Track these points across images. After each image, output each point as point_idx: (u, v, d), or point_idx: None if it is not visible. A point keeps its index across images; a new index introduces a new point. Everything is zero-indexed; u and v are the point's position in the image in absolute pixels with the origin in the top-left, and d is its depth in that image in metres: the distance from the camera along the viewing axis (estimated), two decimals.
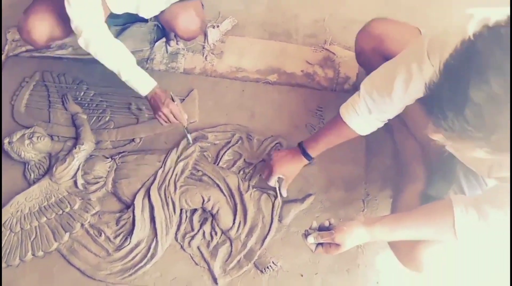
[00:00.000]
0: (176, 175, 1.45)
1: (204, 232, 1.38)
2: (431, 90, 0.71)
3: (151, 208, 1.39)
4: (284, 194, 1.35)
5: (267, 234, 1.36)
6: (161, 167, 1.45)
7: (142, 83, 1.34)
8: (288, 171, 1.30)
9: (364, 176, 1.41)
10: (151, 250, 1.36)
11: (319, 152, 1.24)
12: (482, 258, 1.10)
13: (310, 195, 1.40)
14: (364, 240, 0.98)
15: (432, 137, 0.78)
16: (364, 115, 1.10)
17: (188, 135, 1.47)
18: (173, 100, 1.33)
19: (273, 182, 1.31)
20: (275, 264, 1.33)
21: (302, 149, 1.26)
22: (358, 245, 1.26)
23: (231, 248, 1.36)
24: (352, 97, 1.13)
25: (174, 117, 1.33)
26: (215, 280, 1.33)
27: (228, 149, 1.49)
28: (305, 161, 1.28)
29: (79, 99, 1.60)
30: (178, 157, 1.49)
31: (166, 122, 1.34)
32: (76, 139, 1.51)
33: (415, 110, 1.12)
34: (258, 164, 1.48)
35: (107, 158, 1.48)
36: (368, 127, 1.15)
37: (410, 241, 1.02)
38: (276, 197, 1.36)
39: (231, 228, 1.37)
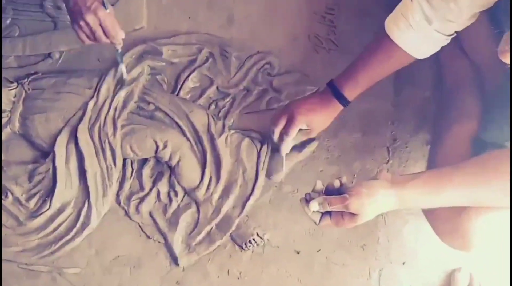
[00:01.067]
0: (115, 109, 1.26)
1: (158, 193, 1.24)
2: None
3: (80, 157, 1.23)
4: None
5: (250, 195, 1.22)
6: (92, 96, 1.27)
7: None
8: (315, 121, 1.13)
9: (391, 113, 1.28)
10: (82, 217, 1.24)
11: (359, 91, 1.10)
12: None
13: (312, 140, 1.22)
14: (390, 207, 0.87)
15: (503, 57, 0.73)
16: (421, 28, 0.99)
17: (122, 65, 1.24)
18: (105, 7, 1.11)
19: (292, 136, 1.14)
20: (261, 238, 1.22)
21: (334, 90, 1.10)
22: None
23: (198, 215, 1.22)
24: (400, 5, 1.02)
25: (104, 32, 1.13)
26: (175, 259, 1.22)
27: (192, 71, 1.30)
28: (339, 107, 1.12)
29: None
30: (119, 83, 1.28)
31: (89, 39, 1.12)
32: None
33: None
34: (237, 94, 1.30)
35: (11, 82, 1.32)
36: (429, 46, 1.04)
37: (455, 207, 0.94)
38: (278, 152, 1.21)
39: (197, 186, 1.20)
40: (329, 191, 0.92)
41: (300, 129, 1.14)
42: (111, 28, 1.11)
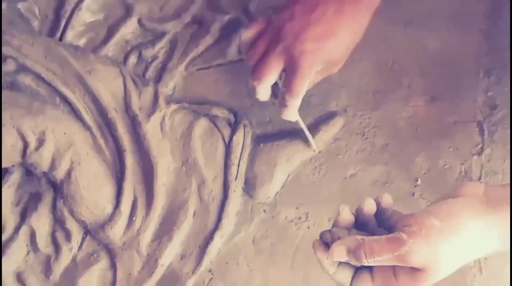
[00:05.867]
0: None
1: (33, 235, 0.77)
2: None
3: None
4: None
5: (214, 231, 0.75)
6: None
7: None
8: (336, 49, 0.71)
9: (482, 54, 0.81)
10: None
11: None
12: None
13: (333, 115, 0.77)
14: (487, 250, 0.59)
15: None
16: None
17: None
18: None
19: (302, 95, 0.70)
20: None
21: None
22: None
23: (114, 275, 0.76)
24: None
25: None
26: None
27: None
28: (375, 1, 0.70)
29: None
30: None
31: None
32: None
33: None
34: (180, 32, 0.79)
35: None
36: None
37: None
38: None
39: (110, 218, 0.75)
40: (363, 224, 0.59)
41: None
42: None
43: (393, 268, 0.56)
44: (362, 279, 0.57)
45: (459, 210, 0.57)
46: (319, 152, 0.76)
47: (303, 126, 0.73)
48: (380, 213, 0.58)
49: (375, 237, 0.55)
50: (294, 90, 0.66)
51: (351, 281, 0.58)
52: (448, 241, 0.55)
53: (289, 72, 0.65)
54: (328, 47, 0.66)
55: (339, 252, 0.55)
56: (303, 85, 0.66)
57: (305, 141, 0.74)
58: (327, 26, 0.66)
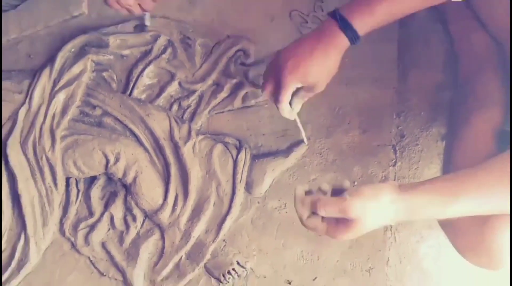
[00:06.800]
0: (53, 117, 1.13)
1: (112, 218, 1.12)
2: None
3: (12, 179, 1.11)
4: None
5: (226, 215, 1.09)
6: (24, 103, 1.13)
7: None
8: (312, 74, 0.92)
9: (395, 103, 1.15)
10: (18, 254, 1.12)
11: (372, 25, 0.91)
12: None
13: (301, 142, 1.11)
14: (397, 217, 0.78)
15: None
16: None
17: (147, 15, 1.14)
18: None
19: (285, 101, 0.96)
20: (242, 267, 1.10)
21: (340, 20, 0.91)
22: (387, 227, 1.11)
23: (163, 244, 1.10)
24: None
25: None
26: None
27: (147, 65, 1.16)
28: (345, 45, 0.91)
29: None
30: (56, 83, 1.13)
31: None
32: None
33: None
34: (205, 90, 1.15)
35: None
36: None
37: (477, 217, 0.85)
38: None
39: (160, 207, 1.09)
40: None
41: (298, 88, 0.95)
42: None
43: (336, 219, 0.77)
44: (315, 219, 0.79)
45: (381, 187, 0.78)
46: (307, 144, 1.09)
47: (299, 124, 1.03)
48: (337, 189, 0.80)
49: (328, 197, 0.77)
50: (278, 99, 0.93)
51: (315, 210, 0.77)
52: (371, 204, 0.75)
53: (276, 87, 0.93)
54: (300, 72, 0.90)
55: (301, 194, 0.80)
56: (284, 95, 0.92)
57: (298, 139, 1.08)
58: (300, 59, 0.89)
